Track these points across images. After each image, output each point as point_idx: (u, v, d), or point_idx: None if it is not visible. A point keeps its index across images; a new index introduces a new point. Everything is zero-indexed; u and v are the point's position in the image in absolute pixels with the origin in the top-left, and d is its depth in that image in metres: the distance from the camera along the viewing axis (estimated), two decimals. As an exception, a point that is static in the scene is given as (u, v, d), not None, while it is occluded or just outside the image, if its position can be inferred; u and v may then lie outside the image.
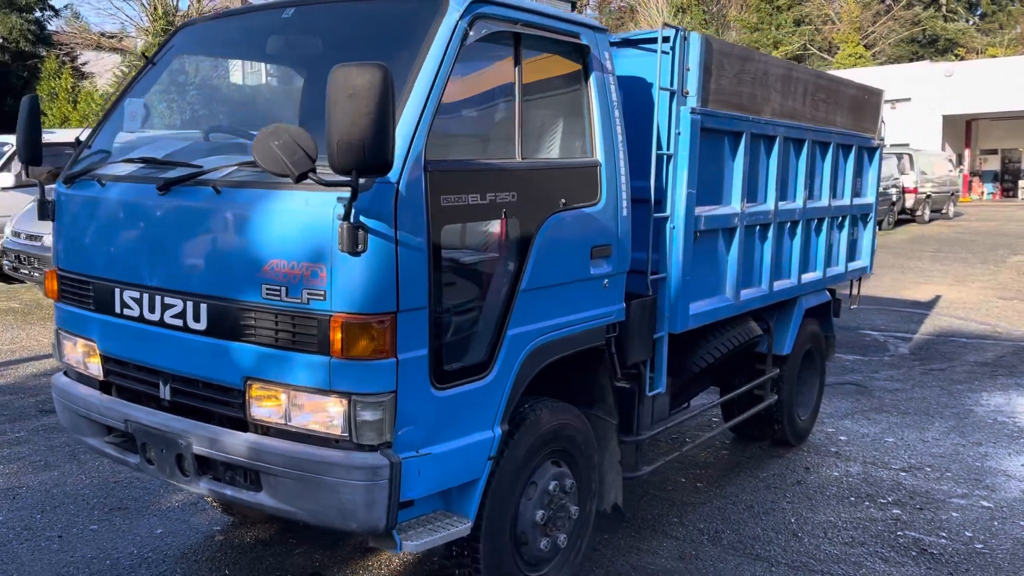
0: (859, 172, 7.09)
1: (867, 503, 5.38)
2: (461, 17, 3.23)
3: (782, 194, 5.68)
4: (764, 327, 5.97)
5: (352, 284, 2.90)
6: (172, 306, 3.31)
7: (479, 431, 3.36)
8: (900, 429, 6.97)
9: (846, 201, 6.74)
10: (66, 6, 45.06)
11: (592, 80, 3.89)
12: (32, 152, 3.89)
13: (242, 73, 4.29)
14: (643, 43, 4.53)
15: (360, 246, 2.83)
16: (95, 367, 3.72)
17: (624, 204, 4.05)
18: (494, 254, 3.41)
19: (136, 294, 3.43)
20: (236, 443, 3.15)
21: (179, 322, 3.29)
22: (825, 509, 5.26)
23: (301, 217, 2.96)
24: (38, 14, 35.79)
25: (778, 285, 5.78)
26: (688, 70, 4.50)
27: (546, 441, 3.79)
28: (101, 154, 3.86)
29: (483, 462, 3.40)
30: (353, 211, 2.84)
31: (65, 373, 3.97)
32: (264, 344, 3.08)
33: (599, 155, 3.90)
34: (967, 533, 4.95)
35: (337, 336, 2.90)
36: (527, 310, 3.52)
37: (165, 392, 3.42)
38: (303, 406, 3.04)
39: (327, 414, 3.01)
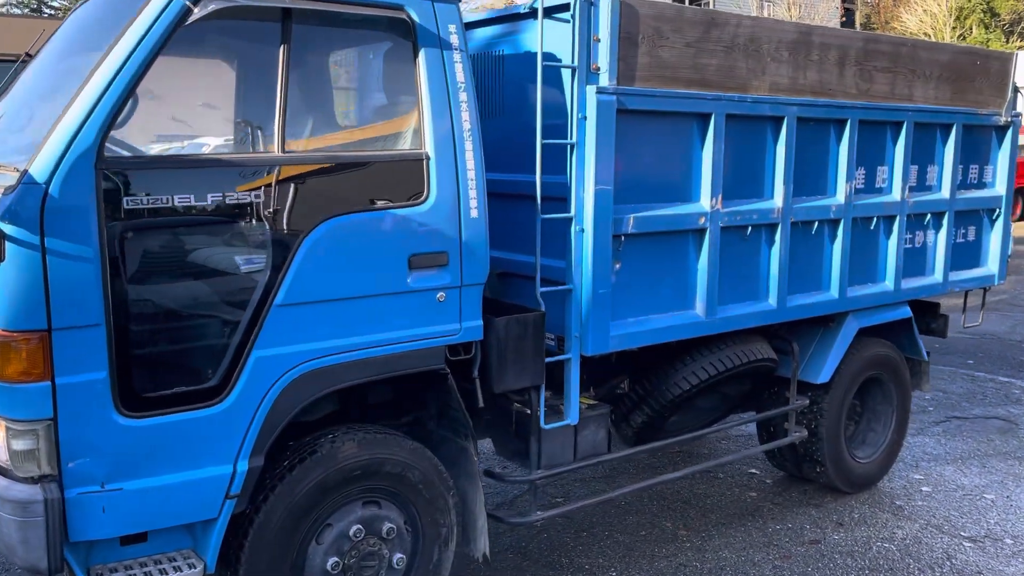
0: (974, 157, 5.71)
1: (880, 579, 4.27)
2: (178, -8, 2.81)
3: (804, 188, 4.64)
4: (787, 347, 4.94)
5: (-3, 298, 2.61)
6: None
7: (210, 466, 2.95)
8: (1016, 484, 5.53)
9: (942, 194, 5.43)
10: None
11: (422, 59, 3.30)
12: None
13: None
14: (553, 12, 3.81)
15: (-4, 255, 2.54)
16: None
17: (473, 203, 3.42)
18: (229, 263, 2.96)
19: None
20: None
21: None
22: (815, 582, 4.24)
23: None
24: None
25: (799, 299, 4.73)
26: (598, 41, 3.73)
27: (351, 478, 3.28)
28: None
29: (219, 500, 2.97)
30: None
31: None
32: None
33: (428, 146, 3.31)
34: (985, 638, 3.75)
35: None
36: (287, 328, 3.03)
37: None
38: (-22, 429, 2.80)
39: (-3, 439, 2.75)
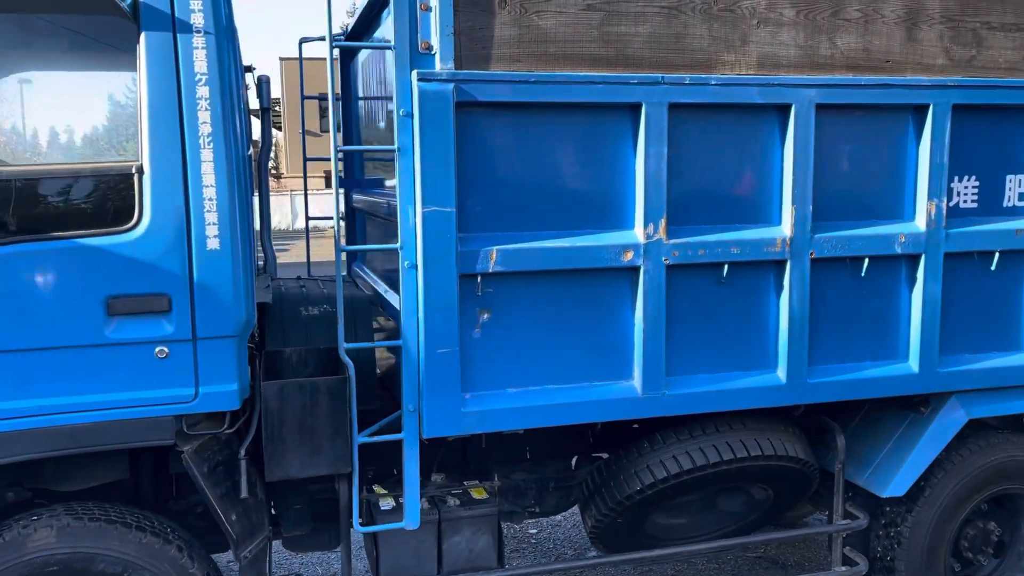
0: None
1: None
2: None
3: (840, 209, 3.17)
4: (831, 441, 3.40)
5: None
6: None
7: None
8: None
9: None
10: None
11: (144, 44, 2.57)
12: None
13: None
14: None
15: None
16: None
17: (211, 232, 2.61)
18: None
19: None
20: None
21: None
22: None
23: None
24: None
25: (837, 372, 3.22)
26: (427, 11, 2.72)
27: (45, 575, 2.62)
28: None
29: None
30: None
31: None
32: None
33: (144, 156, 2.56)
34: None
35: None
36: None
37: None
38: None
39: None
